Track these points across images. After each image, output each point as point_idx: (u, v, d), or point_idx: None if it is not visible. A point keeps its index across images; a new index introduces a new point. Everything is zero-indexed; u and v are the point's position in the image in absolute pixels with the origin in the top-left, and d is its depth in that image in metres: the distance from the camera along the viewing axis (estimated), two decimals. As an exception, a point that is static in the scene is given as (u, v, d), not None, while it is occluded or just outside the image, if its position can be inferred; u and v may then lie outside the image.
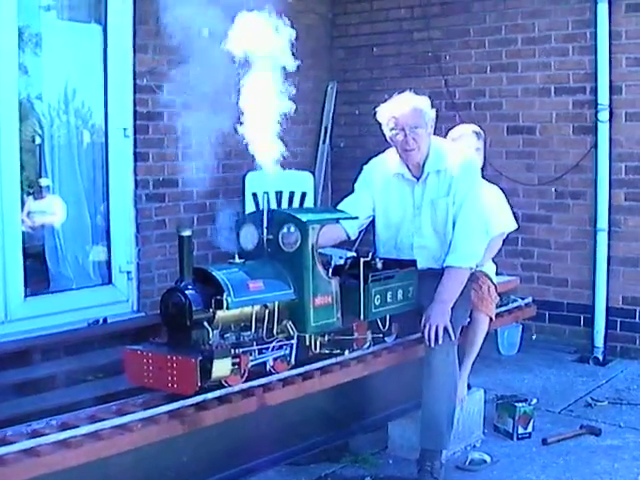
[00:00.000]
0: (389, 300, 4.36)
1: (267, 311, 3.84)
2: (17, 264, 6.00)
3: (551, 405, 5.96)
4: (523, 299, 6.03)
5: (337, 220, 4.56)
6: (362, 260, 4.25)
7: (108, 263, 6.76)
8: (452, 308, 4.52)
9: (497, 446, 5.19)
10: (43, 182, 6.45)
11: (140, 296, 6.83)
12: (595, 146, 7.22)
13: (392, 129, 4.68)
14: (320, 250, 4.07)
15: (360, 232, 4.93)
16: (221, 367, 3.50)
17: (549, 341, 7.50)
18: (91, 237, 6.74)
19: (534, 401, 5.55)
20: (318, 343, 4.10)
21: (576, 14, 7.28)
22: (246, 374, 3.71)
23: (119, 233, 6.73)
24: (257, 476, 4.11)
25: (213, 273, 3.67)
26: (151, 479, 3.60)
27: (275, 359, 3.90)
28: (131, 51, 6.66)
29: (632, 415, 5.77)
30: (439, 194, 4.74)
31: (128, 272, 6.79)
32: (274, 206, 4.09)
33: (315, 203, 7.78)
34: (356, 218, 4.63)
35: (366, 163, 4.99)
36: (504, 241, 5.52)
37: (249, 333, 3.79)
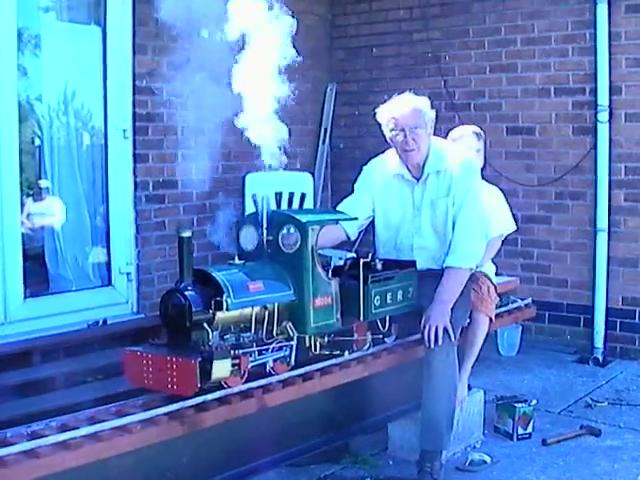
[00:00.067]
0: (389, 301, 4.36)
1: (267, 312, 3.84)
2: (17, 265, 5.99)
3: (551, 406, 5.96)
4: (523, 300, 6.03)
5: (337, 221, 4.56)
6: (362, 261, 4.25)
7: (108, 264, 6.76)
8: (452, 309, 4.52)
9: (497, 447, 5.19)
10: (43, 184, 6.45)
11: (140, 297, 6.83)
12: (595, 147, 7.22)
13: (392, 130, 4.68)
14: (320, 251, 4.07)
15: (360, 233, 4.94)
16: (221, 368, 3.50)
17: (549, 342, 7.50)
18: (91, 238, 6.74)
19: (534, 402, 5.55)
20: (318, 344, 4.10)
21: (576, 15, 7.28)
22: (246, 375, 3.71)
23: (119, 234, 6.73)
24: (257, 477, 4.11)
25: (213, 274, 3.67)
26: (151, 480, 3.60)
27: (275, 360, 3.90)
28: (130, 52, 6.66)
29: (632, 416, 5.77)
30: (439, 195, 4.74)
31: (128, 273, 6.79)
32: (274, 207, 4.08)
33: (315, 204, 7.79)
34: (356, 219, 4.63)
35: (366, 164, 4.99)
36: (503, 242, 5.52)
37: (249, 334, 3.79)
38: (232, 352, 3.59)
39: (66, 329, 5.91)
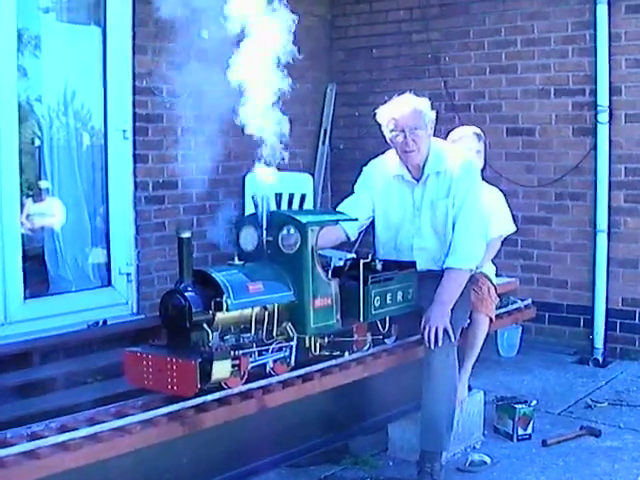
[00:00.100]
0: (389, 302, 4.36)
1: (267, 313, 3.83)
2: (16, 266, 5.99)
3: (551, 406, 5.96)
4: (523, 300, 6.03)
5: (336, 222, 4.55)
6: (362, 262, 4.25)
7: (107, 265, 6.76)
8: (452, 309, 4.52)
9: (497, 447, 5.19)
10: (42, 184, 6.45)
11: (140, 298, 6.83)
12: (595, 148, 7.23)
13: (392, 130, 4.68)
14: (320, 252, 4.07)
15: (360, 233, 4.93)
16: (221, 369, 3.50)
17: (549, 342, 7.50)
18: (90, 239, 6.74)
19: (534, 402, 5.55)
20: (318, 345, 4.10)
21: (575, 16, 7.28)
22: (246, 376, 3.71)
23: (118, 235, 6.73)
24: (257, 478, 4.10)
25: (213, 275, 3.67)
26: (151, 481, 3.60)
27: (275, 361, 3.90)
28: (130, 53, 6.66)
29: (632, 416, 5.77)
30: (439, 195, 4.74)
31: (128, 274, 6.79)
32: (274, 208, 4.08)
33: (315, 205, 7.79)
34: (356, 220, 4.63)
35: (366, 165, 4.99)
36: (503, 242, 5.52)
37: (249, 335, 3.79)
38: (232, 353, 3.59)
39: (66, 330, 5.91)
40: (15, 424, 3.38)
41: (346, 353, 4.25)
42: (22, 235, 6.09)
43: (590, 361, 7.12)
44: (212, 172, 6.74)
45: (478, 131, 5.52)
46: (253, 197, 4.03)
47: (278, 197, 4.12)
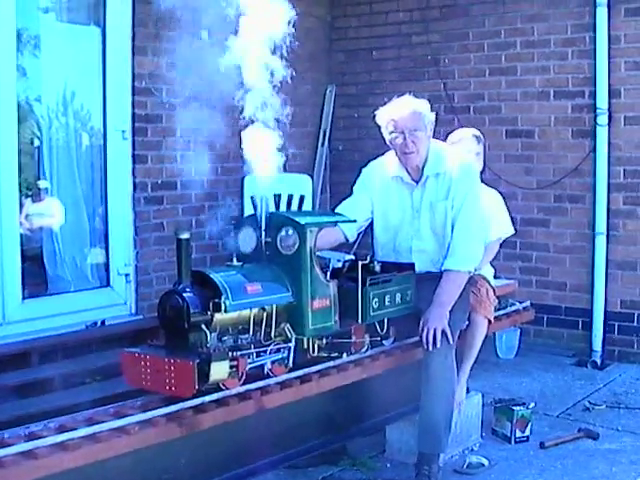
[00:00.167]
0: (387, 303, 4.36)
1: (265, 314, 3.83)
2: (15, 266, 5.99)
3: (549, 409, 5.96)
4: (521, 303, 6.03)
5: (335, 223, 4.55)
6: (360, 263, 4.25)
7: (106, 265, 6.76)
8: (450, 311, 4.51)
9: (495, 450, 5.19)
10: (41, 184, 6.44)
11: (138, 299, 6.82)
12: (594, 150, 7.23)
13: (391, 132, 4.68)
14: (318, 253, 4.07)
15: (359, 235, 4.93)
16: (219, 370, 3.50)
17: (547, 345, 7.50)
18: (89, 239, 6.74)
19: (532, 405, 5.56)
20: (316, 346, 4.10)
21: (575, 18, 7.28)
22: (244, 377, 3.71)
23: (117, 235, 6.73)
24: (255, 479, 4.10)
25: (211, 276, 3.67)
26: (148, 482, 3.60)
27: (273, 362, 3.89)
28: (130, 53, 6.66)
29: (630, 419, 5.77)
30: (438, 197, 4.73)
31: (126, 275, 6.78)
32: (272, 209, 4.08)
33: (314, 206, 7.79)
34: (354, 221, 4.63)
35: (365, 166, 4.98)
36: (502, 245, 5.52)
37: (247, 336, 3.79)
38: (230, 354, 3.59)
39: (64, 330, 5.92)
40: (13, 424, 3.38)
41: (344, 355, 4.25)
42: (21, 235, 6.09)
43: (588, 363, 7.12)
44: (211, 173, 6.74)
45: (477, 133, 5.52)
46: (252, 198, 4.03)
47: (277, 198, 4.12)
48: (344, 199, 4.93)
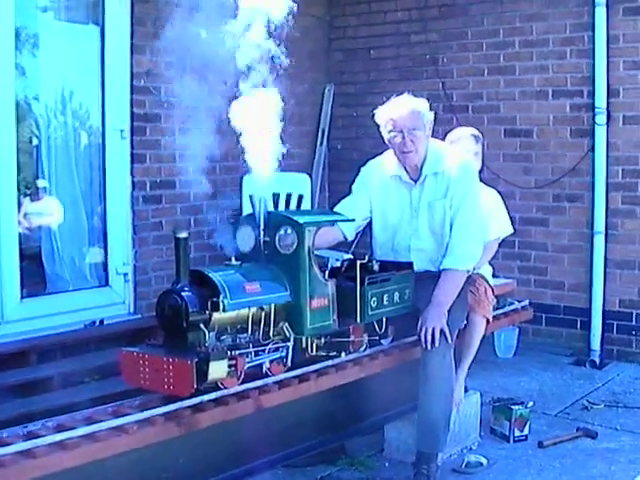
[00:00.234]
0: (385, 302, 4.36)
1: (263, 313, 3.83)
2: (13, 265, 5.99)
3: (547, 408, 5.96)
4: (520, 302, 6.04)
5: (334, 222, 4.55)
6: (359, 262, 4.25)
7: (105, 265, 6.76)
8: (449, 311, 4.51)
9: (493, 449, 5.19)
10: (40, 183, 6.45)
11: (136, 298, 6.82)
12: (592, 149, 7.23)
13: (390, 131, 4.67)
14: (317, 252, 4.07)
15: (357, 234, 4.93)
16: (217, 369, 3.50)
17: (546, 344, 7.51)
18: (88, 239, 6.74)
19: (530, 404, 5.55)
20: (314, 345, 4.10)
21: (574, 17, 7.28)
22: (242, 376, 3.71)
23: (116, 235, 6.73)
24: (254, 478, 4.10)
25: (209, 275, 3.67)
26: (147, 481, 3.60)
27: (271, 361, 3.89)
28: (128, 52, 6.66)
29: (628, 418, 5.78)
30: (436, 196, 4.73)
31: (125, 274, 6.78)
32: (271, 208, 4.08)
33: (312, 205, 7.78)
34: (353, 220, 4.63)
35: (363, 165, 4.98)
36: (501, 244, 5.52)
37: (245, 335, 3.79)
38: (228, 353, 3.59)
39: (63, 329, 5.92)
40: (12, 423, 3.38)
41: (343, 354, 4.25)
42: (19, 234, 6.09)
43: (587, 363, 7.13)
44: (210, 172, 6.72)
45: (476, 133, 5.52)
46: (251, 197, 4.03)
47: (276, 197, 4.12)
48: (343, 198, 4.93)
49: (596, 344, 7.24)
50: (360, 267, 4.24)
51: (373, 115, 4.76)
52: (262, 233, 3.97)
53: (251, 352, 3.76)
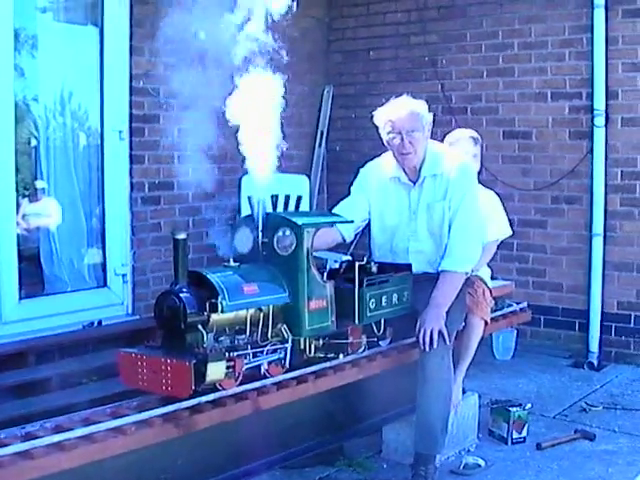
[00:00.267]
0: (384, 304, 4.36)
1: (262, 314, 3.83)
2: (12, 266, 5.98)
3: (545, 410, 5.96)
4: (518, 304, 6.04)
5: (332, 223, 4.55)
6: (357, 264, 4.25)
7: (103, 266, 6.76)
8: (447, 312, 4.51)
9: (491, 450, 5.19)
10: (38, 184, 6.44)
11: (135, 299, 6.82)
12: (591, 151, 7.23)
13: (389, 133, 4.67)
14: (315, 254, 4.07)
15: (356, 235, 4.93)
16: (215, 370, 3.50)
17: (544, 346, 7.51)
18: (86, 240, 6.73)
19: (528, 406, 5.54)
20: (313, 347, 4.10)
21: (573, 19, 7.29)
22: (240, 377, 3.71)
23: (114, 236, 6.73)
24: (252, 479, 4.10)
25: (208, 276, 3.67)
26: (145, 482, 3.60)
27: (269, 363, 3.89)
28: (127, 53, 6.66)
29: (626, 420, 5.78)
30: (435, 198, 4.74)
31: (123, 275, 6.78)
32: (269, 209, 4.08)
33: (311, 207, 7.78)
34: (351, 222, 4.62)
35: (362, 166, 4.98)
36: (499, 246, 5.51)
37: (244, 336, 3.79)
38: (227, 354, 3.59)
39: (61, 330, 5.92)
40: (10, 424, 3.38)
41: (341, 355, 4.24)
42: (18, 235, 6.08)
43: (585, 364, 7.13)
44: (208, 173, 6.73)
45: (475, 135, 5.51)
46: (249, 198, 4.03)
47: (274, 199, 4.12)
48: (341, 199, 4.93)
49: (594, 346, 7.24)
50: (358, 269, 4.23)
51: (372, 117, 4.76)
52: (260, 234, 3.97)
53: (249, 353, 3.76)
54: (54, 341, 5.66)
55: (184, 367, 3.38)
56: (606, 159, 7.17)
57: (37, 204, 6.43)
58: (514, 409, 5.32)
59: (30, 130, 6.42)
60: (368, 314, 4.26)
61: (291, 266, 3.92)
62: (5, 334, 5.75)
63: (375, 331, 4.46)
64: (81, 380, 5.02)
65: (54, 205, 6.47)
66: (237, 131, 3.91)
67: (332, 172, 8.56)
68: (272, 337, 3.89)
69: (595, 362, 7.15)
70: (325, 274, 4.17)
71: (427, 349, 4.39)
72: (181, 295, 3.57)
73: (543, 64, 7.45)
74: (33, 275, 6.37)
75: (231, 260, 3.89)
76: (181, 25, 4.17)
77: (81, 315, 6.23)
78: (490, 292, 5.26)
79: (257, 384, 3.80)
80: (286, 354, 3.94)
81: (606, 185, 7.19)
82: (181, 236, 3.60)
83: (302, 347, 4.04)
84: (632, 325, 7.18)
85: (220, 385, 3.62)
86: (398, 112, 4.64)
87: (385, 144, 4.76)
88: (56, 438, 3.13)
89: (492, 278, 5.48)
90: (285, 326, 3.92)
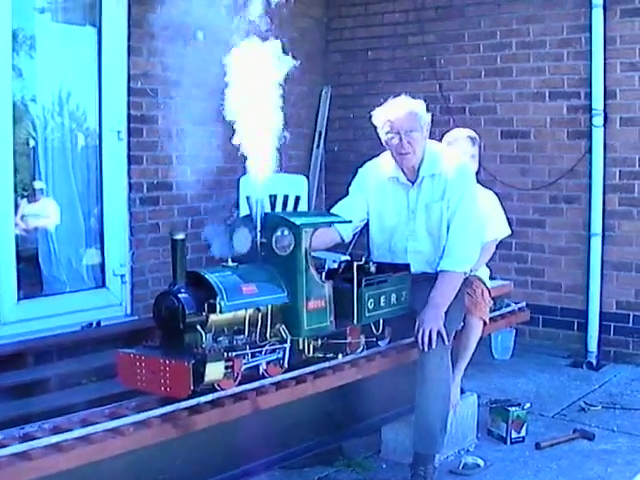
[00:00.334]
0: (382, 304, 4.36)
1: (260, 315, 3.83)
2: (10, 267, 5.98)
3: (544, 409, 5.96)
4: (517, 304, 6.03)
5: (331, 224, 4.55)
6: (356, 264, 4.25)
7: (102, 266, 6.75)
8: (446, 312, 4.51)
9: (490, 450, 5.19)
10: (37, 185, 6.44)
11: (133, 299, 6.82)
12: (589, 151, 7.24)
13: (387, 133, 4.67)
14: (314, 254, 4.07)
15: (354, 235, 4.93)
16: (214, 371, 3.50)
17: (543, 346, 7.51)
18: (85, 240, 6.73)
19: (527, 405, 5.54)
20: (311, 347, 4.09)
21: (571, 19, 7.29)
22: (239, 378, 3.70)
23: (113, 236, 6.72)
24: (250, 479, 4.10)
25: (206, 276, 3.67)
26: (143, 483, 3.59)
27: (268, 363, 3.89)
28: (125, 54, 6.65)
29: (625, 420, 5.78)
30: (434, 198, 4.73)
31: (122, 275, 6.78)
32: (268, 209, 4.08)
33: (309, 207, 7.78)
34: (350, 222, 4.62)
35: (361, 166, 4.98)
36: (498, 245, 5.51)
37: (242, 337, 3.79)
38: (225, 354, 3.58)
39: (60, 331, 5.91)
40: (8, 425, 3.37)
41: (339, 355, 4.24)
42: (16, 236, 6.08)
43: (584, 364, 7.13)
44: (207, 173, 6.73)
45: (473, 134, 5.51)
46: (248, 198, 4.03)
47: (273, 199, 4.12)
48: (340, 200, 4.93)
49: (593, 346, 7.25)
50: (357, 269, 4.23)
51: (370, 117, 4.76)
52: (259, 234, 3.97)
53: (248, 353, 3.76)
54: (53, 342, 5.66)
55: (183, 367, 3.38)
56: (604, 159, 7.18)
57: (36, 205, 6.43)
58: (513, 409, 5.32)
59: (28, 131, 6.42)
60: (367, 314, 4.26)
61: (289, 266, 3.92)
62: (4, 335, 5.74)
63: (374, 331, 4.46)
64: (80, 381, 5.01)
65: (52, 206, 6.47)
66: (235, 132, 3.90)
67: (330, 172, 8.56)
68: (271, 337, 3.88)
69: (594, 362, 7.15)
70: (324, 274, 4.17)
71: (426, 349, 4.39)
72: (180, 295, 3.56)
73: (541, 64, 7.46)
74: (32, 276, 6.37)
75: (229, 260, 3.89)
76: (179, 25, 4.17)
77: (80, 316, 6.23)
78: (489, 292, 5.25)
79: (256, 384, 3.80)
80: (285, 354, 3.93)
81: (604, 185, 7.19)
82: (179, 236, 3.60)
83: (301, 347, 4.04)
84: (631, 325, 7.18)
85: (219, 385, 3.62)
86: (396, 112, 4.64)
87: (383, 144, 4.75)
88: (54, 439, 3.13)
89: (491, 278, 5.48)
90: (284, 326, 3.91)
